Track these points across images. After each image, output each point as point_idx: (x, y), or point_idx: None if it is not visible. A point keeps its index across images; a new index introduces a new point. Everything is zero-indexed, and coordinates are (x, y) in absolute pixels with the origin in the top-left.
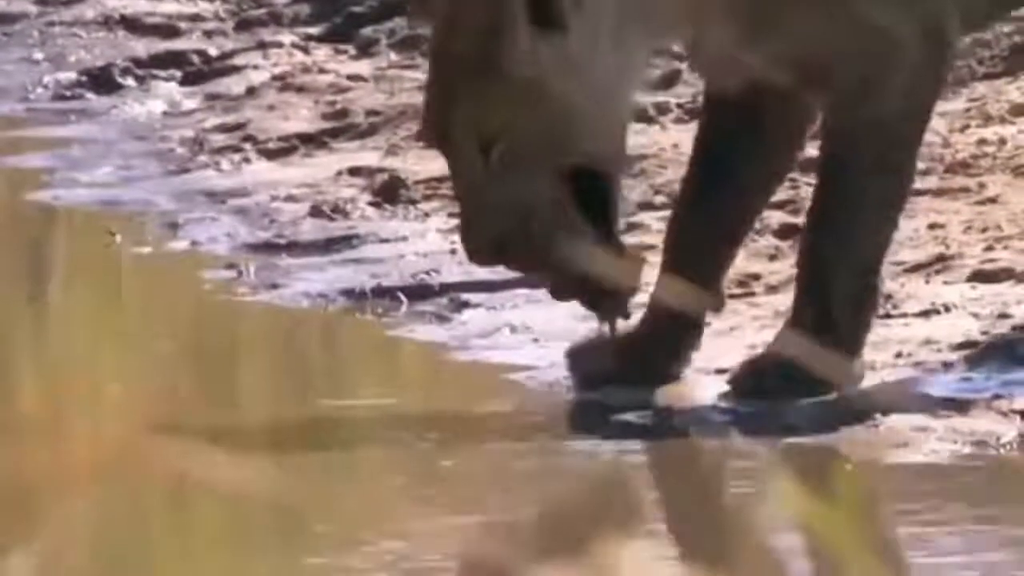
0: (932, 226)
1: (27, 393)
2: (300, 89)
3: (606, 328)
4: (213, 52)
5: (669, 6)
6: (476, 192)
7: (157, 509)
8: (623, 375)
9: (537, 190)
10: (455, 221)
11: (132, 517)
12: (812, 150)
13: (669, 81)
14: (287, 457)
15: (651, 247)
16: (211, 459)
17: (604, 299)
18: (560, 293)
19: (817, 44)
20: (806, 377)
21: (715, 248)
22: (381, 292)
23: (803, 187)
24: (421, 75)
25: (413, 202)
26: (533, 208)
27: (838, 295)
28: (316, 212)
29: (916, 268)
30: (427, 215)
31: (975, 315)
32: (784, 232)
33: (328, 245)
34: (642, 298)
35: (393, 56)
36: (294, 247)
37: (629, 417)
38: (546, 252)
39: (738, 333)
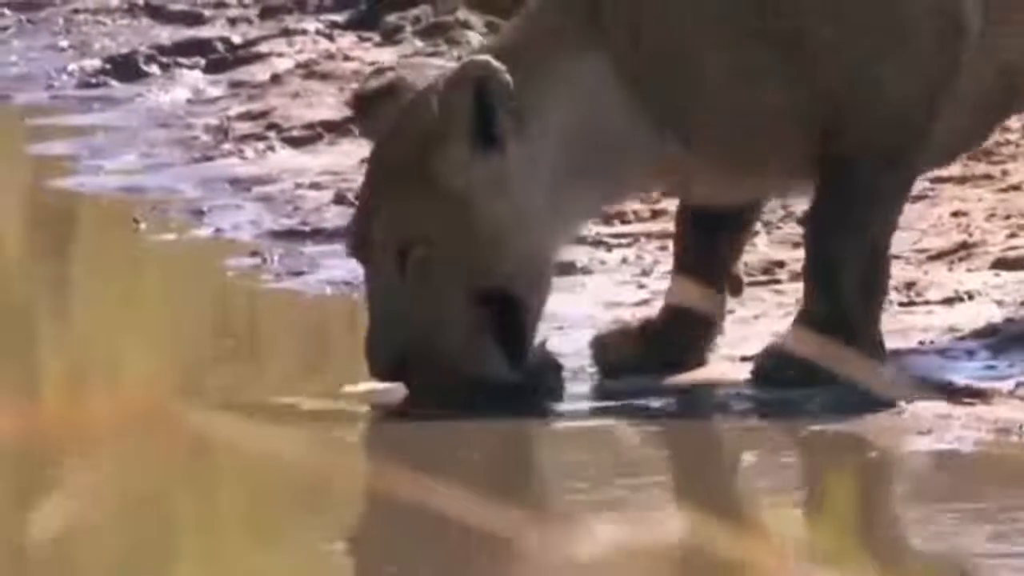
0: (955, 214)
1: (50, 379)
2: (324, 77)
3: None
4: (237, 40)
5: (636, 172)
6: (385, 300)
7: (178, 473)
8: (648, 362)
9: (448, 309)
10: None
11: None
12: None
13: None
14: (307, 439)
15: (672, 235)
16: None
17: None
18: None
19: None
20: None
21: (721, 247)
22: None
23: None
24: (446, 63)
25: None
26: (440, 327)
27: (848, 288)
28: (340, 200)
29: (939, 256)
30: None
31: (998, 302)
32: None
33: None
34: (663, 285)
35: (418, 43)
36: (318, 235)
37: (653, 403)
38: (446, 374)
39: (762, 320)
